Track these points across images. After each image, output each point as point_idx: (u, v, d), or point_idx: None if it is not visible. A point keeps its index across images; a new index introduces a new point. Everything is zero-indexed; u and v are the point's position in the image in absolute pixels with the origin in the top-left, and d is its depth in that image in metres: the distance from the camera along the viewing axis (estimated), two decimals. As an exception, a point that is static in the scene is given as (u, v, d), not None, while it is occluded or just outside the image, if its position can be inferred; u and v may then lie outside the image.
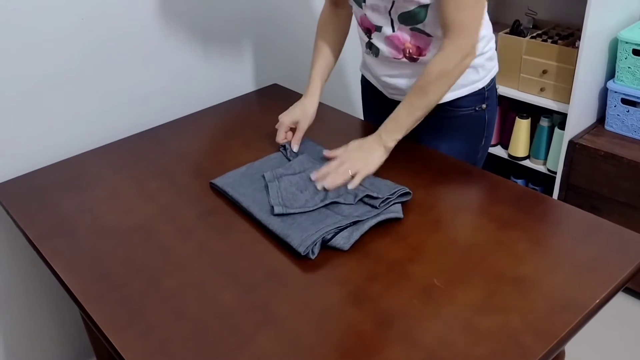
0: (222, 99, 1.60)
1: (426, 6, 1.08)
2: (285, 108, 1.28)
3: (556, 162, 1.97)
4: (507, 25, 2.08)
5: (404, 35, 1.15)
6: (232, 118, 1.48)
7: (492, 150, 2.17)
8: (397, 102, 1.14)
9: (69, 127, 1.37)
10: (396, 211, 1.02)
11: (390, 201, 1.03)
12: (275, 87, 1.66)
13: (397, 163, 1.16)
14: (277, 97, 1.58)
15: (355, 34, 1.29)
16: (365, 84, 1.42)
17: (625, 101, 1.81)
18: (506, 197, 1.09)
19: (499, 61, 1.30)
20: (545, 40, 1.92)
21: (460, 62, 1.07)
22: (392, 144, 1.12)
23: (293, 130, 1.25)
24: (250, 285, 0.91)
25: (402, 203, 1.05)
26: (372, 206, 1.02)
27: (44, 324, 1.53)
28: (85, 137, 1.40)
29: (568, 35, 1.96)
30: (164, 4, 1.42)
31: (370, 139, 1.13)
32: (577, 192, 1.90)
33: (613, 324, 1.79)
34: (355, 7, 1.19)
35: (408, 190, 1.06)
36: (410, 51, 1.16)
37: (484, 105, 1.26)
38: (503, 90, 2.05)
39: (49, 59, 1.28)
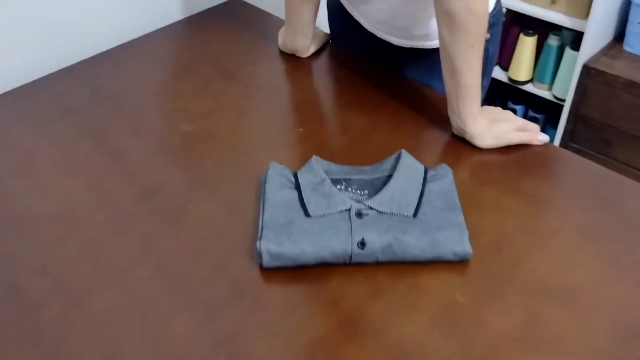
0: (169, 19, 1.27)
1: None
2: (252, 31, 0.98)
3: (564, 88, 1.72)
4: None
5: None
6: (184, 47, 1.17)
7: (490, 72, 1.90)
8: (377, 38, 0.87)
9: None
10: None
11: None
12: (235, 3, 1.33)
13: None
14: (239, 16, 1.26)
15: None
16: (335, 6, 1.12)
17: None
18: (537, 163, 0.85)
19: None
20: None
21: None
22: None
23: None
24: (211, 309, 0.67)
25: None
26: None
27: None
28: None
29: None
30: None
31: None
32: (587, 124, 1.67)
33: None
34: None
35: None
36: None
37: (487, 35, 0.99)
38: (506, 1, 1.75)
39: None
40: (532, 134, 0.87)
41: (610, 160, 1.63)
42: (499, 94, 2.03)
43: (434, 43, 0.99)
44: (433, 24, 0.96)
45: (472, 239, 0.71)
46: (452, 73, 0.83)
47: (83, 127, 0.95)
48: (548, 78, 1.79)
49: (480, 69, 0.82)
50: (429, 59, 1.02)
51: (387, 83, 1.02)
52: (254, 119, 0.95)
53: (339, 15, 1.11)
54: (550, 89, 1.81)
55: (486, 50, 0.85)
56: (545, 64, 1.78)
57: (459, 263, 0.70)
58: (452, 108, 0.87)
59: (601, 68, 1.57)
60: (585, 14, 1.59)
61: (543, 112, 1.95)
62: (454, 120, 0.87)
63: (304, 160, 0.83)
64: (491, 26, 0.97)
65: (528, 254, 0.71)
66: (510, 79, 1.85)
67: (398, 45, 1.03)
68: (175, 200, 0.81)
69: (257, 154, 0.88)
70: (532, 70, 1.83)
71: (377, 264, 0.70)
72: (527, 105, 2.00)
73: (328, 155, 0.86)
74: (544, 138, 0.87)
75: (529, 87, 1.84)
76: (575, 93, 1.65)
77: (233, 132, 0.92)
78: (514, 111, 1.98)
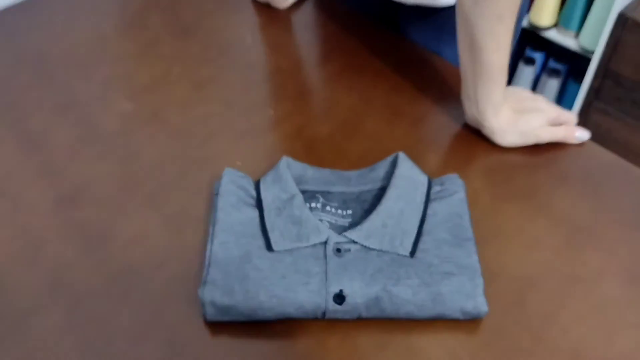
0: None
1: None
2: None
3: (594, 38, 1.49)
4: None
5: None
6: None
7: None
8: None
9: None
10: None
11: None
12: None
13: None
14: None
15: None
16: None
17: None
18: (573, 170, 0.65)
19: None
20: None
21: None
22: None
23: None
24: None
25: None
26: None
27: None
28: None
29: None
30: None
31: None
32: (616, 81, 1.45)
33: None
34: None
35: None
36: None
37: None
38: None
39: None
40: (567, 130, 0.67)
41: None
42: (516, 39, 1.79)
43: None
44: None
45: (487, 286, 0.53)
46: (472, 49, 0.61)
47: (-4, 99, 0.74)
48: (575, 24, 1.55)
49: (509, 47, 0.61)
50: (439, 17, 0.80)
51: (384, 47, 0.80)
52: (213, 94, 0.74)
53: None
54: (576, 36, 1.57)
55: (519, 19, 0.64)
56: (573, 8, 1.53)
57: (468, 320, 0.53)
58: (467, 93, 0.66)
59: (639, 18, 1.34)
60: (627, -51, 1.34)
61: (566, 62, 1.72)
62: (470, 108, 0.67)
63: (272, 155, 0.64)
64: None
65: (560, 307, 0.54)
66: (531, 25, 1.61)
67: (400, 0, 0.81)
68: (102, 212, 0.62)
69: (214, 145, 0.68)
70: (557, 13, 1.58)
71: (359, 319, 0.53)
72: (548, 53, 1.76)
73: (305, 149, 0.66)
74: (582, 135, 0.67)
75: (552, 34, 1.60)
76: (607, 45, 1.42)
77: (184, 113, 0.72)
78: (532, 61, 1.74)
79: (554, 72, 1.70)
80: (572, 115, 0.68)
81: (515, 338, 0.52)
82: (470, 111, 0.67)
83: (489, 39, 0.60)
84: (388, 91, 0.74)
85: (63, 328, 0.53)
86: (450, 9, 0.74)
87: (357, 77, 0.76)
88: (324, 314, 0.51)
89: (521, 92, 0.70)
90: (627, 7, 1.37)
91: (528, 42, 1.76)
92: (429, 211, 0.57)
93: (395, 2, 0.82)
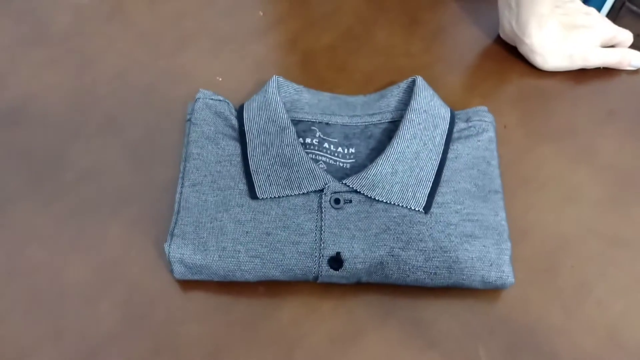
0: None
1: None
2: None
3: None
4: None
5: None
6: None
7: None
8: None
9: None
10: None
11: None
12: None
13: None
14: None
15: None
16: None
17: None
18: (625, 103, 0.54)
19: None
20: None
21: None
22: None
23: None
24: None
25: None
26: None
27: None
28: None
29: None
30: None
31: None
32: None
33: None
34: None
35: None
36: None
37: None
38: None
39: None
40: (623, 52, 0.54)
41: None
42: None
43: None
44: None
45: (514, 247, 0.44)
46: None
47: None
48: None
49: None
50: None
51: None
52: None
53: None
54: None
55: None
56: None
57: (490, 290, 0.44)
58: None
59: None
60: None
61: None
62: (508, 18, 0.54)
63: (260, 70, 0.53)
64: None
65: (598, 276, 0.45)
66: None
67: None
68: (51, 135, 0.50)
69: (188, 53, 0.56)
70: None
71: (359, 284, 0.44)
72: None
73: (300, 64, 0.55)
74: (637, 61, 0.55)
75: None
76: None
77: (152, 10, 0.59)
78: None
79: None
80: (629, 36, 0.55)
81: (543, 312, 0.43)
82: (508, 22, 0.54)
83: None
84: (404, -8, 0.60)
85: (3, 281, 0.44)
86: None
87: (368, -28, 0.62)
88: (316, 278, 0.42)
89: (572, 3, 0.56)
90: None
91: None
92: (450, 154, 0.46)
93: None
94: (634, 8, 1.35)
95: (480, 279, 0.42)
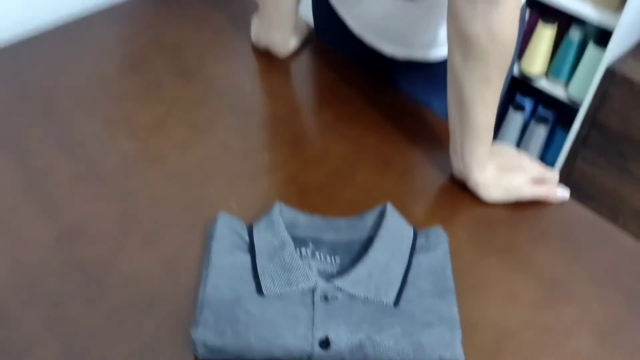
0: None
1: None
2: (220, 15, 0.80)
3: (583, 89, 1.54)
4: None
5: None
6: (134, 33, 0.97)
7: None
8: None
9: None
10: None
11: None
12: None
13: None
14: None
15: None
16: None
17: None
18: (552, 227, 0.68)
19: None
20: None
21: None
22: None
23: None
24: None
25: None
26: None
27: None
28: None
29: None
30: None
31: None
32: (602, 132, 1.50)
33: None
34: None
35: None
36: None
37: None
38: (527, -16, 1.54)
39: None
40: (549, 189, 0.70)
41: (624, 175, 1.47)
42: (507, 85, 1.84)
43: (439, 53, 0.81)
44: (441, 32, 0.78)
45: (465, 335, 0.55)
46: (460, 109, 0.65)
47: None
48: (565, 74, 1.61)
49: (496, 108, 0.65)
50: (430, 71, 0.84)
51: (377, 97, 0.84)
52: (211, 137, 0.78)
53: (326, 5, 0.92)
54: (566, 86, 1.62)
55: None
56: (563, 59, 1.59)
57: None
58: (455, 148, 0.70)
59: (627, 74, 1.39)
60: (617, 7, 1.39)
61: (555, 110, 1.77)
62: (456, 162, 0.70)
63: (266, 198, 0.67)
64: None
65: (534, 359, 0.56)
66: (522, 74, 1.66)
67: (392, 55, 0.85)
68: (100, 249, 0.64)
69: (210, 187, 0.71)
70: (548, 63, 1.64)
71: (342, 364, 0.55)
72: (537, 100, 1.81)
73: (297, 194, 0.69)
74: (563, 195, 0.71)
75: (542, 84, 1.65)
76: (594, 96, 1.47)
77: (182, 154, 0.75)
78: (521, 107, 1.80)
79: (542, 120, 1.75)
80: (554, 175, 0.71)
81: (490, 389, 0.54)
82: (457, 165, 0.70)
83: (476, 101, 0.63)
84: (379, 141, 0.77)
85: (56, 363, 0.55)
86: (441, 64, 0.78)
87: (350, 126, 0.80)
88: (309, 357, 0.54)
89: (507, 149, 0.73)
90: (615, 62, 1.43)
91: (518, 88, 1.81)
92: (414, 262, 0.60)
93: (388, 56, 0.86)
94: (588, 154, 1.55)
95: (438, 357, 0.53)
